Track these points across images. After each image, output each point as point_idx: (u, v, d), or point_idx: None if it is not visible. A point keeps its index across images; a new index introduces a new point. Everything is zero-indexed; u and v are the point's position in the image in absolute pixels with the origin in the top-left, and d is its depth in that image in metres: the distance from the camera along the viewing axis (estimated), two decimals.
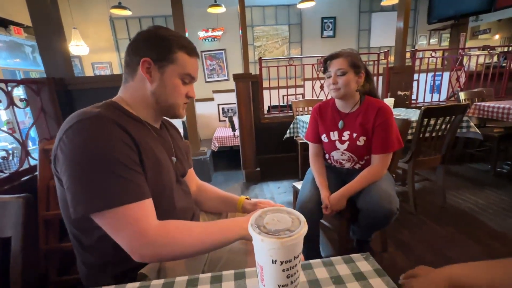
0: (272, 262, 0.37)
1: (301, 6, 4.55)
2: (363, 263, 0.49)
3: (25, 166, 1.48)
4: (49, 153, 1.41)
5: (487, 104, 2.29)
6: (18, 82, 1.54)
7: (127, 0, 4.32)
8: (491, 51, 3.18)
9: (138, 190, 0.53)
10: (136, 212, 0.51)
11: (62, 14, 1.88)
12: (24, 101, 1.58)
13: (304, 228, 0.37)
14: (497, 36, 6.52)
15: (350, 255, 0.51)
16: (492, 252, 1.46)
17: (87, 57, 4.94)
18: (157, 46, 0.61)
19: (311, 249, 1.27)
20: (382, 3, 4.54)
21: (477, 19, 5.70)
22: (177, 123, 4.52)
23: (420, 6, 5.60)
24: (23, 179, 1.38)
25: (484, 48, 3.23)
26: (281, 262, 0.36)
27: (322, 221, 1.39)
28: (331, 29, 5.55)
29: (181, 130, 4.05)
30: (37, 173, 1.34)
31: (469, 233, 1.64)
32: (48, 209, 1.32)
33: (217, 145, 3.74)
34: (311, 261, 0.50)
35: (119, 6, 3.92)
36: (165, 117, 0.72)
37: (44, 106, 1.67)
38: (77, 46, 4.32)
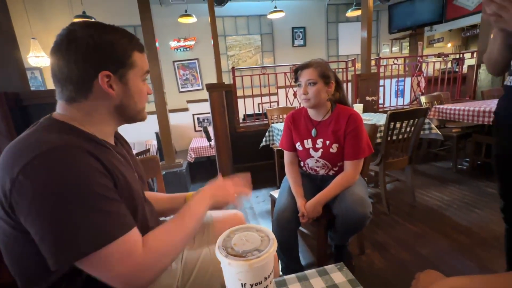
0: (242, 286, 0.35)
1: (271, 16, 4.67)
2: (337, 274, 0.48)
3: None
4: None
5: (445, 106, 2.48)
6: None
7: (93, 9, 4.17)
8: (445, 58, 3.48)
9: (124, 220, 0.49)
10: (126, 244, 0.47)
11: (18, 24, 1.76)
12: None
13: (273, 247, 0.36)
14: (449, 44, 7.17)
15: (325, 266, 0.51)
16: (459, 246, 1.55)
17: (49, 68, 4.65)
18: (112, 54, 0.53)
19: (290, 257, 1.26)
20: (347, 15, 4.82)
21: (432, 29, 6.24)
22: (151, 135, 4.36)
23: (381, 17, 6.01)
24: None
25: (439, 55, 3.53)
26: (250, 285, 0.34)
27: (301, 228, 1.39)
28: (301, 39, 5.75)
29: (154, 143, 3.91)
30: None
31: (437, 229, 1.73)
32: None
33: (193, 156, 3.65)
34: (286, 277, 0.49)
35: (83, 15, 3.75)
36: (127, 124, 0.65)
37: None
38: (36, 57, 4.05)
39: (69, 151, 0.45)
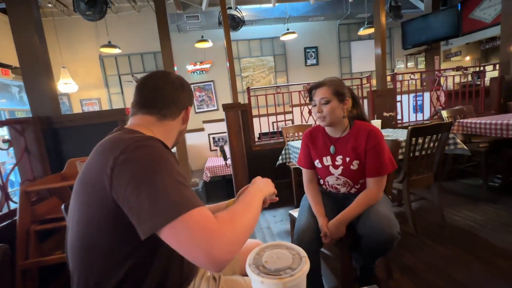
0: None
1: (284, 38, 4.83)
2: None
3: (5, 210, 1.39)
4: (31, 195, 1.33)
5: (469, 120, 2.38)
6: (1, 123, 1.51)
7: (116, 38, 4.50)
8: (465, 71, 3.39)
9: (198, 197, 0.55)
10: (205, 212, 0.50)
11: (51, 54, 1.91)
12: (7, 142, 1.53)
13: (306, 265, 0.34)
14: (468, 58, 7.03)
15: None
16: (498, 270, 1.41)
17: (75, 94, 4.97)
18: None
19: (312, 281, 1.19)
20: (359, 33, 4.89)
21: (448, 43, 6.16)
22: None
23: (394, 34, 6.05)
24: (1, 224, 1.28)
25: (457, 68, 3.45)
26: None
27: (322, 249, 1.33)
28: (314, 58, 5.86)
29: None
30: (16, 217, 1.25)
31: (472, 252, 1.60)
32: (27, 257, 1.22)
33: (209, 175, 3.67)
34: None
35: (109, 45, 4.05)
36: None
37: (28, 146, 1.62)
38: (65, 84, 4.37)
39: (156, 141, 0.57)
